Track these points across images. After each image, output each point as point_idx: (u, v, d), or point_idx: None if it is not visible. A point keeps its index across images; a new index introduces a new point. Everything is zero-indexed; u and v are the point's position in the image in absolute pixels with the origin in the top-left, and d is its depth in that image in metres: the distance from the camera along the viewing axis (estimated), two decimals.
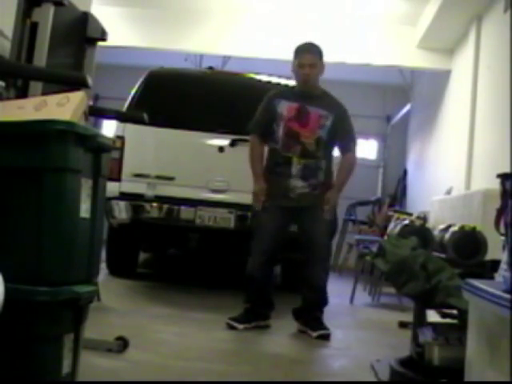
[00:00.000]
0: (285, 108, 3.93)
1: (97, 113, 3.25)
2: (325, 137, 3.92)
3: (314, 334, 3.77)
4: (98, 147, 2.04)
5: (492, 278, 2.47)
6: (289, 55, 4.03)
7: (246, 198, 4.21)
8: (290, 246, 4.04)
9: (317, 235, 3.90)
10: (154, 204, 5.04)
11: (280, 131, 3.91)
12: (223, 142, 5.17)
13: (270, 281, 4.10)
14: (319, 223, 3.91)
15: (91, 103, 2.82)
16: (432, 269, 2.88)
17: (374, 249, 4.35)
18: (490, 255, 3.38)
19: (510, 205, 1.95)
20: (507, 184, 2.03)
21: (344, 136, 4.01)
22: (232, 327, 3.80)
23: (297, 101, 3.93)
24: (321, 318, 3.94)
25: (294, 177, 3.88)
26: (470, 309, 2.13)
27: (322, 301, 4.00)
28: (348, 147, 4.02)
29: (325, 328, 3.84)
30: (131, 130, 5.03)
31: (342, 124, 3.97)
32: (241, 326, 3.82)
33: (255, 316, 3.93)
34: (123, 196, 5.05)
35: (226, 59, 9.02)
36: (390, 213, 7.21)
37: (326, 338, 3.77)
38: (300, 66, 3.90)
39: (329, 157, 4.00)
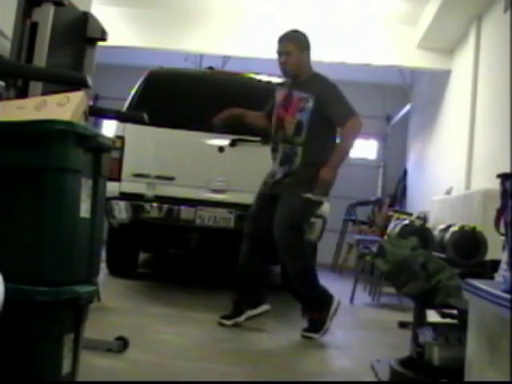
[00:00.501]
0: (278, 95, 3.99)
1: (97, 113, 3.25)
2: (306, 120, 3.83)
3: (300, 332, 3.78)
4: (98, 147, 2.04)
5: (492, 278, 2.47)
6: None
7: (246, 198, 4.21)
8: None
9: (277, 228, 3.75)
10: (154, 204, 5.04)
11: (274, 117, 3.98)
12: (223, 141, 5.17)
13: (257, 270, 3.98)
14: (281, 214, 3.76)
15: (91, 103, 2.82)
16: (432, 269, 2.88)
17: (374, 249, 4.35)
18: (490, 255, 3.38)
19: (510, 205, 1.95)
20: (507, 184, 2.03)
21: (333, 111, 3.83)
22: (221, 325, 3.84)
23: (288, 87, 3.98)
24: (315, 319, 3.79)
25: (278, 162, 3.92)
26: (469, 309, 2.13)
27: (306, 301, 3.86)
28: (340, 121, 3.83)
29: (311, 330, 3.76)
30: (131, 130, 5.03)
31: (326, 101, 3.83)
32: (229, 322, 3.84)
33: (244, 307, 3.90)
34: (123, 196, 5.05)
35: (226, 59, 9.02)
36: (390, 213, 7.21)
37: (308, 337, 3.76)
38: (277, 55, 3.93)
39: (315, 141, 3.83)
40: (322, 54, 7.71)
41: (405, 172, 10.53)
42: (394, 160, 10.84)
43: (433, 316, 2.91)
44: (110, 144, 2.16)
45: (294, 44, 3.89)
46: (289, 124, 3.87)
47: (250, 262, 3.94)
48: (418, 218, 5.06)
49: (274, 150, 3.96)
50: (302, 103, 3.86)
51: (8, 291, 1.47)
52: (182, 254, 7.72)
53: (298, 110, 3.86)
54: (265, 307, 3.95)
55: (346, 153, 3.86)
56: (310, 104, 3.84)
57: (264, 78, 5.71)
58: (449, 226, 3.74)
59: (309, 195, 3.75)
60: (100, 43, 2.89)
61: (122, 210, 5.00)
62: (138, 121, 3.95)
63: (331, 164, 3.77)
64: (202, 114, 5.36)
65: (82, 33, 2.78)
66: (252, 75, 5.91)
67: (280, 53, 3.90)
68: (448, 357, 2.60)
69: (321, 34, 7.77)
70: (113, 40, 3.29)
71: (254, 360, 3.18)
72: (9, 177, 1.87)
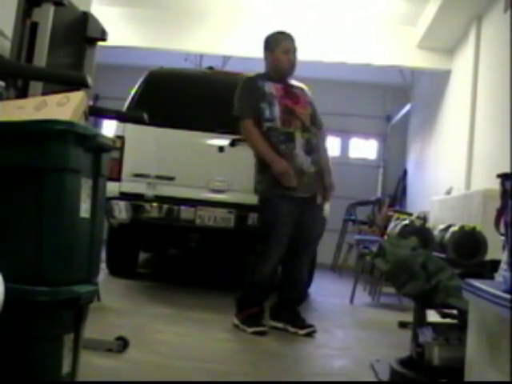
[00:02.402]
0: (272, 88, 3.93)
1: (97, 113, 3.24)
2: (313, 114, 4.00)
3: (302, 332, 3.77)
4: (97, 147, 2.04)
5: (492, 278, 2.47)
6: None
7: (246, 198, 4.21)
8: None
9: (313, 233, 3.93)
10: (154, 204, 5.04)
11: (276, 109, 3.86)
12: (223, 141, 5.17)
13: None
14: (318, 221, 3.97)
15: (91, 103, 2.82)
16: (432, 269, 2.88)
17: (374, 249, 4.35)
18: (490, 255, 3.37)
19: (510, 205, 1.95)
20: (507, 184, 2.03)
21: (318, 116, 4.07)
22: (262, 333, 3.69)
23: (277, 82, 3.97)
24: (301, 315, 3.94)
25: (299, 152, 3.82)
26: (470, 309, 2.13)
27: (303, 297, 4.11)
28: (322, 123, 4.09)
29: (311, 325, 3.84)
30: (131, 130, 5.03)
31: (314, 104, 4.08)
32: (265, 328, 3.75)
33: (263, 318, 3.88)
34: (123, 196, 5.05)
35: (226, 59, 9.02)
36: (390, 213, 7.21)
37: (312, 335, 3.79)
38: (286, 52, 3.95)
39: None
40: (322, 54, 7.73)
41: (405, 172, 10.53)
42: (394, 160, 10.84)
43: (433, 316, 2.91)
44: (110, 144, 2.15)
45: None
46: (303, 115, 3.91)
47: (275, 276, 3.96)
48: (418, 217, 5.05)
49: (289, 140, 3.80)
50: (306, 98, 4.04)
51: (8, 291, 1.47)
52: (181, 254, 7.72)
53: (307, 103, 4.01)
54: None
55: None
56: (308, 100, 4.06)
57: None
58: (449, 226, 3.73)
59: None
60: (100, 43, 2.89)
61: (122, 210, 5.00)
62: (138, 121, 3.95)
63: (330, 172, 3.99)
64: (202, 113, 5.37)
65: (82, 33, 2.77)
66: None
67: (290, 50, 3.96)
68: (448, 357, 2.60)
69: (321, 34, 7.79)
70: (113, 40, 3.29)
71: (254, 360, 3.18)
72: (9, 177, 1.87)
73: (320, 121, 4.07)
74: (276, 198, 3.77)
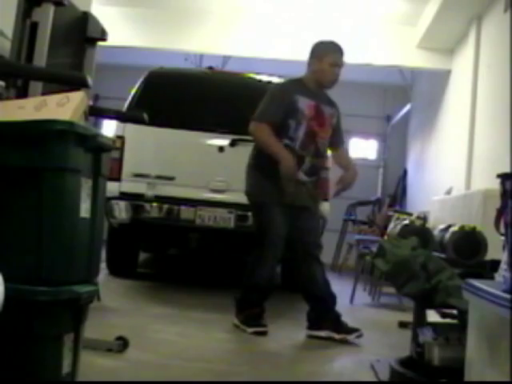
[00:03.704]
0: (305, 106, 3.82)
1: (97, 113, 3.24)
2: (332, 134, 3.99)
3: (351, 337, 3.68)
4: (97, 147, 2.04)
5: (492, 278, 2.47)
6: (288, 55, 4.03)
7: (246, 198, 4.20)
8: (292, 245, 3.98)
9: (312, 235, 3.90)
10: (154, 204, 5.04)
11: (300, 130, 3.80)
12: (223, 141, 5.17)
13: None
14: (316, 221, 3.97)
15: (91, 103, 2.82)
16: (432, 269, 2.88)
17: (374, 249, 4.35)
18: (490, 255, 3.37)
19: (510, 205, 1.95)
20: (507, 184, 2.03)
21: (340, 133, 4.10)
22: (262, 333, 3.70)
23: (312, 98, 3.86)
24: (342, 319, 3.83)
25: (300, 174, 3.80)
26: (469, 309, 2.13)
27: (335, 298, 3.90)
28: (341, 145, 4.12)
29: (356, 329, 3.74)
30: (131, 130, 5.03)
31: (340, 120, 4.07)
32: (265, 328, 3.75)
33: (263, 319, 3.86)
34: (123, 196, 5.05)
35: (226, 59, 9.03)
36: (390, 213, 7.21)
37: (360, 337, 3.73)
38: (334, 65, 3.92)
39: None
40: None
41: (405, 172, 10.53)
42: (394, 160, 10.84)
43: (433, 316, 2.91)
44: (110, 144, 2.15)
45: None
46: (322, 139, 3.90)
47: (273, 277, 3.98)
48: (418, 217, 5.05)
49: (299, 163, 3.76)
50: (332, 119, 3.98)
51: (8, 291, 1.47)
52: (182, 254, 7.73)
53: (330, 125, 3.95)
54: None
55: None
56: (335, 120, 4.01)
57: (264, 78, 5.71)
58: (449, 226, 3.73)
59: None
60: (100, 43, 2.89)
61: (122, 210, 5.00)
62: (138, 121, 3.94)
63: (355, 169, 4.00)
64: (202, 113, 5.37)
65: (82, 33, 2.78)
66: (252, 75, 5.91)
67: (338, 64, 3.96)
68: (448, 357, 2.60)
69: (321, 34, 7.76)
70: (113, 40, 3.28)
71: (254, 360, 3.18)
72: (9, 177, 1.87)
73: (342, 138, 4.11)
74: (271, 204, 3.77)
